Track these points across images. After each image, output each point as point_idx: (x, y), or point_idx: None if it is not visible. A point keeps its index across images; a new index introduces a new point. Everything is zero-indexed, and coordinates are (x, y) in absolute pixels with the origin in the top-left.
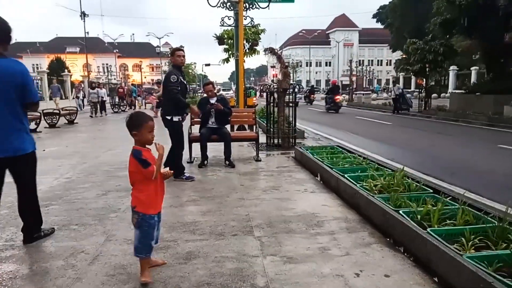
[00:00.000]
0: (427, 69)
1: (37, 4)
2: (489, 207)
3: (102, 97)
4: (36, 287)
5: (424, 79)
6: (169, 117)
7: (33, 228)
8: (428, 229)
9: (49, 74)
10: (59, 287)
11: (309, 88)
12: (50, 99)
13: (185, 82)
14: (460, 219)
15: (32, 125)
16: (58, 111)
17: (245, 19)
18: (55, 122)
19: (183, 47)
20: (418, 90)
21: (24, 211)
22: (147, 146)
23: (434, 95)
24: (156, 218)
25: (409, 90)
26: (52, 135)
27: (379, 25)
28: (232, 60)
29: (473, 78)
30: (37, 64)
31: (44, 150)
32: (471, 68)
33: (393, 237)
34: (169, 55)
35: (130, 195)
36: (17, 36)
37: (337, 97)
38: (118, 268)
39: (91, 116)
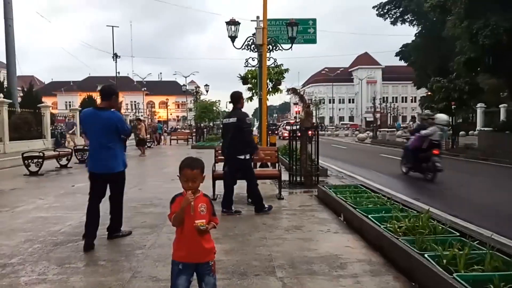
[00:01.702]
0: (453, 107)
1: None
2: None
3: (138, 134)
4: None
5: (451, 117)
6: (242, 157)
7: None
8: (455, 274)
9: (81, 112)
10: None
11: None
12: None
13: None
14: (489, 265)
15: (63, 161)
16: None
17: (268, 60)
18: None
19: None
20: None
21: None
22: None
23: (461, 132)
24: (181, 266)
25: None
26: (81, 171)
27: (403, 63)
28: (256, 99)
29: (502, 116)
30: (70, 102)
31: (73, 186)
32: (500, 106)
33: (419, 281)
34: (234, 98)
35: (154, 232)
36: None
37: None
38: None
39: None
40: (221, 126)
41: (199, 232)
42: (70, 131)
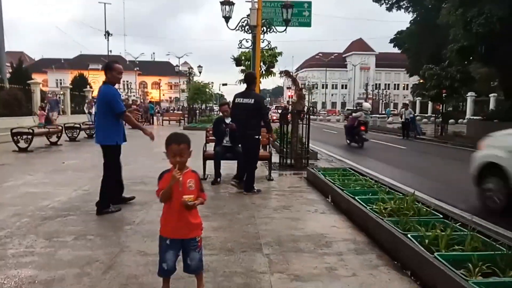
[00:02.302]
0: (444, 94)
1: (64, 22)
2: (499, 235)
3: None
4: None
5: (441, 105)
6: (257, 137)
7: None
8: (436, 254)
9: (72, 89)
10: None
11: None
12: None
13: None
14: (469, 245)
15: (54, 138)
16: (79, 125)
17: (262, 42)
18: (76, 136)
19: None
20: (434, 115)
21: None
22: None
23: (451, 120)
24: (168, 242)
25: (426, 115)
26: (72, 148)
27: (396, 50)
28: None
29: (491, 105)
30: (61, 80)
31: (63, 163)
32: (490, 95)
33: (401, 260)
34: (250, 79)
35: (143, 209)
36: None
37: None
38: (130, 278)
39: None
40: (232, 103)
41: (187, 207)
42: (55, 111)
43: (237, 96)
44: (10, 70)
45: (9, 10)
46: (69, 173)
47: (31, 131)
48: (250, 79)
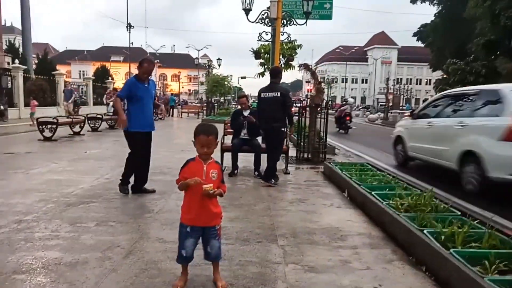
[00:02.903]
0: None
1: (87, 15)
2: None
3: None
4: (77, 274)
5: None
6: (283, 129)
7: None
8: (451, 250)
9: (94, 81)
10: (97, 276)
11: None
12: (77, 104)
13: None
14: (486, 243)
15: (77, 128)
16: (101, 116)
17: (282, 34)
18: (98, 126)
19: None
20: None
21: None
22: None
23: None
24: (189, 229)
25: None
26: (94, 138)
27: (420, 44)
28: (268, 74)
29: None
30: (83, 71)
31: (86, 152)
32: None
33: (416, 256)
34: (275, 73)
35: (163, 198)
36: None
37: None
38: (150, 263)
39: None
40: (258, 98)
41: (208, 195)
42: (70, 101)
43: (262, 91)
44: (36, 61)
45: (35, 2)
46: (91, 161)
47: (55, 120)
48: (276, 73)
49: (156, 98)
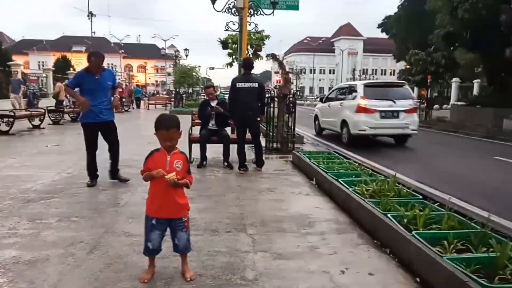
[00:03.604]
0: (429, 80)
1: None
2: (474, 214)
3: None
4: (37, 272)
5: (426, 90)
6: (258, 118)
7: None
8: (413, 232)
9: (54, 72)
10: (59, 273)
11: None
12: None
13: None
14: (445, 224)
15: (36, 121)
16: (62, 109)
17: (249, 24)
18: (59, 119)
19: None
20: (419, 100)
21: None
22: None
23: (436, 106)
24: (154, 221)
25: None
26: (55, 132)
27: (384, 35)
28: (236, 65)
29: (475, 91)
30: (43, 62)
31: (47, 146)
32: (474, 81)
33: (381, 239)
34: (250, 64)
35: (129, 191)
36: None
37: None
38: (115, 258)
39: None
40: (232, 88)
41: (173, 185)
42: (19, 93)
43: (238, 81)
44: None
45: None
46: (52, 156)
47: (12, 113)
48: (249, 64)
49: (121, 89)
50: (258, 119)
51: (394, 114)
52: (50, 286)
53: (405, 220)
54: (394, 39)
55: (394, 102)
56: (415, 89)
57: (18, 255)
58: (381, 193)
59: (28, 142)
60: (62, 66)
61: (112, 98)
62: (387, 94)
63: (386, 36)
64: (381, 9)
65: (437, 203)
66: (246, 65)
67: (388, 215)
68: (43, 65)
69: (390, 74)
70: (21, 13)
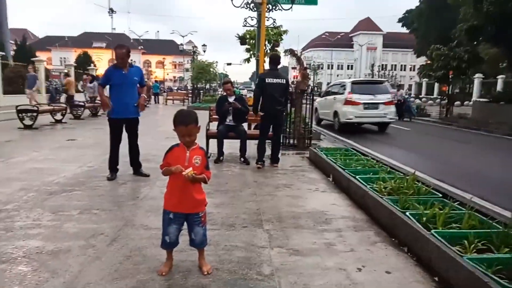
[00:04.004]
0: (450, 76)
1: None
2: (496, 214)
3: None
4: (59, 263)
5: (447, 86)
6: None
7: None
8: (432, 231)
9: (76, 68)
10: (80, 264)
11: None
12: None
13: None
14: (466, 223)
15: (58, 116)
16: (83, 103)
17: (267, 20)
18: (80, 114)
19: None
20: (440, 97)
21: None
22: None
23: (457, 102)
24: (171, 216)
25: (432, 97)
26: (77, 126)
27: (404, 30)
28: (253, 60)
29: (499, 87)
30: (65, 58)
31: (68, 140)
32: (498, 77)
33: (398, 237)
34: (278, 61)
35: (147, 185)
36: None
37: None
38: (134, 250)
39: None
40: (261, 84)
41: (191, 180)
42: (34, 88)
43: (266, 76)
44: (14, 48)
45: None
46: (73, 150)
47: (36, 108)
48: (277, 60)
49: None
50: (284, 113)
51: (375, 106)
52: (71, 276)
53: (424, 219)
54: (415, 33)
55: (375, 96)
56: (436, 85)
57: (42, 246)
58: (400, 190)
59: (50, 136)
60: (83, 61)
61: (139, 97)
62: (369, 90)
63: (407, 31)
64: (402, 3)
65: (457, 202)
66: (274, 61)
67: (407, 213)
68: (65, 61)
69: (410, 70)
70: (45, 10)
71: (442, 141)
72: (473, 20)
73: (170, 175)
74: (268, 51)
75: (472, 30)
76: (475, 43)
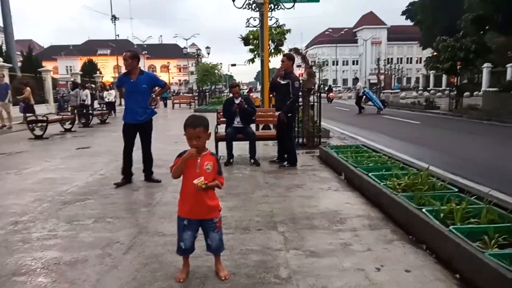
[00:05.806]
0: (458, 67)
1: (71, 8)
2: None
3: (84, 100)
4: (77, 273)
5: (456, 77)
6: (290, 114)
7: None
8: (451, 227)
9: (82, 76)
10: (98, 273)
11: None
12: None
13: None
14: (485, 218)
15: (67, 125)
16: (91, 111)
17: (270, 19)
18: (89, 122)
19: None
20: (449, 88)
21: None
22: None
23: (466, 93)
24: (186, 222)
25: (440, 89)
26: (86, 134)
27: (409, 22)
28: (258, 60)
29: (508, 76)
30: (71, 66)
31: (78, 149)
32: (507, 66)
33: (416, 234)
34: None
35: (159, 191)
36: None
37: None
38: (150, 257)
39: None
40: (274, 85)
41: (202, 190)
42: (6, 99)
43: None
44: (21, 59)
45: None
46: (84, 158)
47: (45, 118)
48: (291, 62)
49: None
50: (290, 114)
51: None
52: (90, 286)
53: (441, 215)
54: (420, 26)
55: None
56: (444, 76)
57: (59, 256)
58: (414, 187)
59: (61, 145)
60: (89, 69)
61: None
62: None
63: (411, 23)
64: None
65: (474, 196)
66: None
67: (423, 210)
68: (71, 70)
69: (417, 62)
70: (49, 20)
71: (454, 134)
72: (479, 10)
73: (181, 171)
74: (272, 51)
75: (478, 20)
76: (481, 32)
